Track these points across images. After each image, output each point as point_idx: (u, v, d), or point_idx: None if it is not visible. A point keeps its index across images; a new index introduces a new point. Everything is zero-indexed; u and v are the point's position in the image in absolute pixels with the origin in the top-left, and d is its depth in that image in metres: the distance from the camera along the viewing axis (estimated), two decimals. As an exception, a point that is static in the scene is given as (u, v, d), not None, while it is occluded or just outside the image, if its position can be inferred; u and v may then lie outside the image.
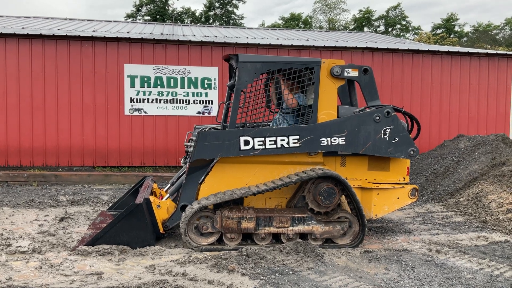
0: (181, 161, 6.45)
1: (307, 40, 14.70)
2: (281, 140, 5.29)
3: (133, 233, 5.11)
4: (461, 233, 6.24)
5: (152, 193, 6.14)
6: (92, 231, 5.55)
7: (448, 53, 12.71)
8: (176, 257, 4.88)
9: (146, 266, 4.54)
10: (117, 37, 11.12)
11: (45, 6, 65.44)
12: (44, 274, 4.27)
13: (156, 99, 11.28)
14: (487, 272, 4.64)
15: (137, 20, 38.61)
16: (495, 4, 66.16)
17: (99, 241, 5.03)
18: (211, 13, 43.95)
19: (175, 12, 42.67)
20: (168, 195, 5.85)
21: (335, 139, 5.39)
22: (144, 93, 11.22)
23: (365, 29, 43.91)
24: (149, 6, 42.12)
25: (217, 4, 43.75)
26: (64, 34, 10.87)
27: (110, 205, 7.19)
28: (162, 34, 13.44)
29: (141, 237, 5.15)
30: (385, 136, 5.51)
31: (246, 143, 5.25)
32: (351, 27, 45.45)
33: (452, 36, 41.56)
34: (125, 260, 4.72)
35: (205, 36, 14.08)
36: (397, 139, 5.54)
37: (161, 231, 5.37)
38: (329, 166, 5.66)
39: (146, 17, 41.35)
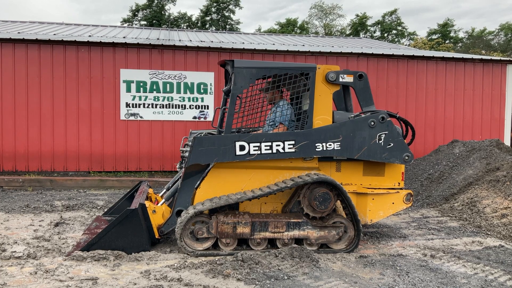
0: (177, 166, 6.45)
1: (303, 45, 14.77)
2: (277, 145, 5.31)
3: (129, 238, 5.10)
4: (456, 238, 6.27)
5: (148, 198, 6.14)
6: (87, 236, 5.54)
7: (443, 59, 12.79)
8: (172, 262, 4.87)
9: (141, 272, 4.53)
10: (113, 42, 11.13)
11: (39, 10, 65.48)
12: (39, 279, 4.26)
13: (152, 104, 11.28)
14: (482, 277, 4.66)
15: (133, 25, 38.63)
16: (488, 10, 66.72)
17: (94, 246, 5.02)
18: (208, 18, 44.05)
19: (172, 17, 42.74)
20: (163, 200, 5.84)
21: (330, 145, 5.41)
22: (140, 98, 11.23)
23: (361, 34, 44.11)
24: (145, 11, 42.17)
25: (213, 9, 43.86)
26: (60, 39, 10.87)
27: (106, 210, 7.17)
28: (158, 39, 13.47)
29: (137, 242, 5.14)
30: (380, 142, 5.54)
31: (242, 148, 5.26)
32: (347, 32, 45.65)
33: (447, 41, 41.80)
34: (120, 266, 4.71)
35: (201, 41, 14.12)
36: (392, 144, 5.57)
37: (157, 236, 5.36)
38: (324, 171, 5.68)
39: (143, 22, 41.37)
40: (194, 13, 61.96)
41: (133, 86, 11.19)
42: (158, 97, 11.30)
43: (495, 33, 43.92)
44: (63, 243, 5.50)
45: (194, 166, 5.38)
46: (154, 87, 11.28)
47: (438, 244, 5.94)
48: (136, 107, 11.21)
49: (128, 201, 6.44)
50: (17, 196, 9.11)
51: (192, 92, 11.47)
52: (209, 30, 25.92)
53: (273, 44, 14.71)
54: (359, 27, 44.92)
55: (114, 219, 5.27)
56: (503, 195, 7.28)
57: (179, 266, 4.70)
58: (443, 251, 5.55)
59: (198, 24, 43.29)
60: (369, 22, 45.37)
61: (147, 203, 5.35)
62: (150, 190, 6.47)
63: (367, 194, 5.68)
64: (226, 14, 44.11)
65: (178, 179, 6.11)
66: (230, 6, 44.05)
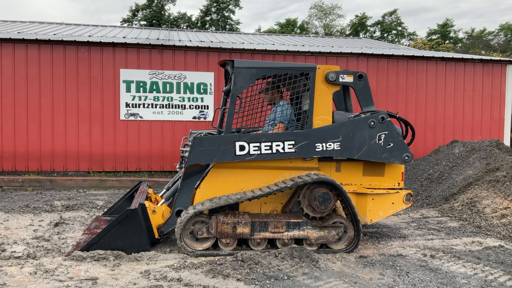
0: (177, 166, 6.45)
1: (303, 45, 14.77)
2: (276, 145, 5.31)
3: (128, 238, 5.09)
4: (456, 238, 6.27)
5: (148, 198, 6.13)
6: (87, 236, 5.53)
7: (443, 59, 12.80)
8: (171, 262, 4.87)
9: (141, 272, 4.53)
10: (113, 42, 11.13)
11: (39, 10, 65.53)
12: (38, 279, 4.26)
13: (152, 104, 11.28)
14: (481, 277, 4.66)
15: (133, 25, 38.62)
16: (488, 10, 66.78)
17: (94, 246, 5.01)
18: (208, 18, 44.05)
19: (171, 17, 42.73)
20: (163, 200, 5.84)
21: (330, 145, 5.41)
22: (140, 98, 11.23)
23: (361, 34, 44.13)
24: (145, 11, 42.17)
25: (213, 10, 43.86)
26: (60, 39, 10.87)
27: (105, 210, 7.16)
28: (158, 39, 13.47)
29: (136, 242, 5.14)
30: (379, 142, 5.53)
31: (242, 148, 5.26)
32: (347, 32, 45.66)
33: (447, 42, 41.82)
34: (120, 266, 4.71)
35: (201, 41, 14.12)
36: (392, 144, 5.57)
37: (156, 236, 5.36)
38: (324, 172, 5.68)
39: (142, 22, 41.37)
40: (194, 13, 61.95)
41: (133, 86, 11.19)
42: (158, 97, 11.30)
43: (494, 33, 43.96)
44: (63, 243, 5.50)
45: (194, 166, 5.37)
46: (154, 87, 11.28)
47: (438, 244, 5.94)
48: (136, 107, 11.21)
49: (128, 201, 6.44)
50: (17, 196, 9.10)
51: (192, 92, 11.47)
52: (209, 30, 25.93)
53: (273, 44, 14.71)
54: (359, 27, 44.94)
55: (114, 219, 5.26)
56: (503, 195, 7.28)
57: (179, 266, 4.69)
58: (443, 251, 5.55)
59: (198, 24, 43.28)
60: (369, 22, 45.44)
61: (147, 203, 5.34)
62: (150, 190, 6.47)
63: (367, 194, 5.68)
64: (226, 14, 44.12)
65: (178, 179, 6.10)
66: (230, 6, 44.05)
